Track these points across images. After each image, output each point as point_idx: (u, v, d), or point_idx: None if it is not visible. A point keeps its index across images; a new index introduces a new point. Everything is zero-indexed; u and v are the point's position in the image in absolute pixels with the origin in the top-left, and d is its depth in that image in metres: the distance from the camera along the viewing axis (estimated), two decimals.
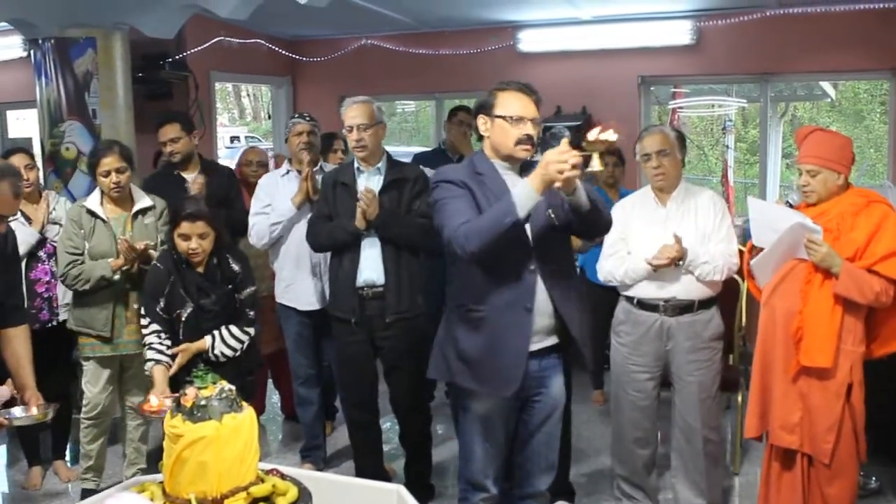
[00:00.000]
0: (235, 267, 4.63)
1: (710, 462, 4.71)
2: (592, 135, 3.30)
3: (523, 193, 3.38)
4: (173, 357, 4.52)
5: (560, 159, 3.27)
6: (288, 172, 5.50)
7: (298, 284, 5.43)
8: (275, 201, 5.37)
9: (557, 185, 3.35)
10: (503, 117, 3.63)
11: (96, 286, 4.92)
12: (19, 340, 3.91)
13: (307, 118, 5.58)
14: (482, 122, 3.72)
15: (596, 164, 3.32)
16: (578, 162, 3.28)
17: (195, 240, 4.47)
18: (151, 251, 4.93)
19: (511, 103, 3.64)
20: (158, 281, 4.56)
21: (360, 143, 4.81)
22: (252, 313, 4.67)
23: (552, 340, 3.77)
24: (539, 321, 3.69)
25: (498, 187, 3.63)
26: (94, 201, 5.05)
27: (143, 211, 5.11)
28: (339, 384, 5.26)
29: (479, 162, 3.74)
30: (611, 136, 3.29)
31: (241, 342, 4.61)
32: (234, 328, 4.59)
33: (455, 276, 3.80)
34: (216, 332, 4.55)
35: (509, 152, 3.66)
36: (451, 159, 6.62)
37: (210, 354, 4.52)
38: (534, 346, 3.71)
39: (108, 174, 4.96)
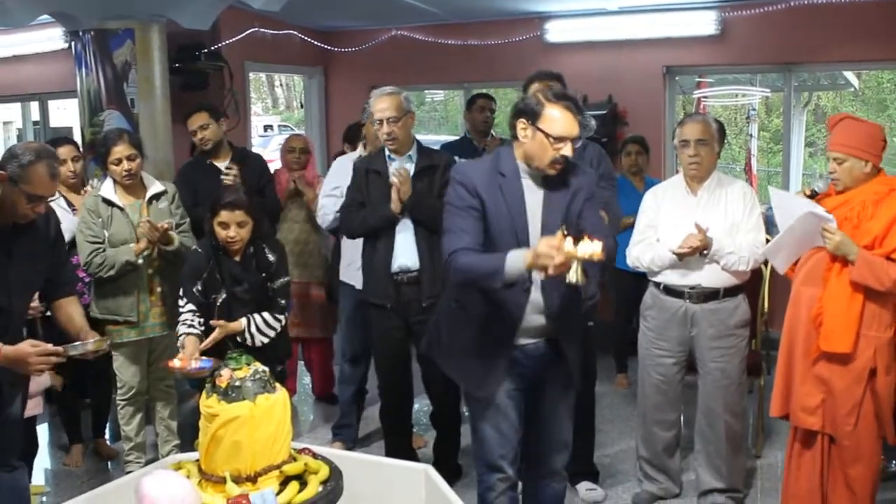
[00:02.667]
0: (271, 257, 4.68)
1: (732, 447, 4.77)
2: (580, 248, 3.22)
3: (513, 266, 3.39)
4: (206, 333, 4.59)
5: (548, 254, 3.24)
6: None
7: (359, 263, 5.45)
8: (344, 184, 5.31)
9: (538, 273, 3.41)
10: (546, 134, 3.56)
11: (121, 271, 5.00)
12: (70, 305, 3.99)
13: None
14: (522, 126, 3.63)
15: (574, 276, 3.27)
16: (564, 262, 3.22)
17: (234, 228, 4.52)
18: (172, 232, 5.04)
19: (557, 121, 3.56)
20: (198, 264, 4.65)
21: (390, 135, 4.85)
22: (283, 302, 4.73)
23: (543, 338, 3.80)
24: (532, 320, 3.74)
25: (513, 196, 3.64)
26: (108, 190, 5.12)
27: (157, 196, 5.19)
28: (375, 366, 5.33)
29: (504, 161, 3.71)
30: (596, 250, 3.21)
31: (274, 329, 4.68)
32: (267, 315, 4.64)
33: None
34: (251, 316, 4.61)
35: (540, 166, 3.63)
36: (476, 147, 6.73)
37: (246, 334, 4.59)
38: (527, 342, 3.78)
39: (119, 162, 5.04)
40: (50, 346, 3.56)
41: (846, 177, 4.14)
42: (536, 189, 3.71)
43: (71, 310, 3.99)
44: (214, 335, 4.54)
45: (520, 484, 4.06)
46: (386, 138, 4.88)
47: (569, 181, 3.73)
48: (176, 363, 4.32)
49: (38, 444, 5.41)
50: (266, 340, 4.65)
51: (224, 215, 4.54)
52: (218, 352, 4.38)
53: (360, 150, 5.69)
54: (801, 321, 4.24)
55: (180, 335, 4.62)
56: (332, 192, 5.52)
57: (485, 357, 3.76)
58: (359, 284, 5.47)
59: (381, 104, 4.86)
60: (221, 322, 4.56)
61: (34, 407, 4.97)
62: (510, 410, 3.84)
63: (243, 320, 4.60)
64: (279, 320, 4.71)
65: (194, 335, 4.59)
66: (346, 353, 5.84)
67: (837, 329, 4.08)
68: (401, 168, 4.81)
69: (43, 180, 3.57)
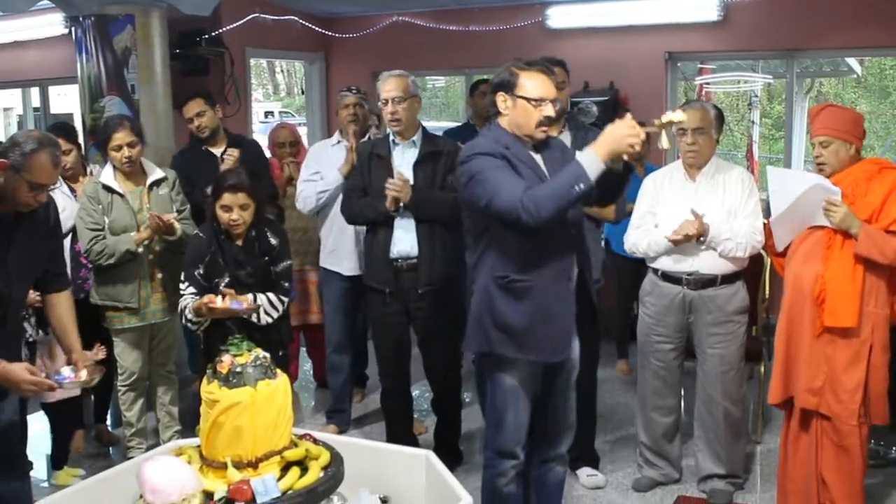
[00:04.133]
0: (273, 240, 4.68)
1: (731, 433, 4.79)
2: (665, 117, 3.49)
3: (591, 161, 3.43)
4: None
5: (633, 132, 3.40)
6: (339, 143, 5.64)
7: (342, 250, 5.58)
8: (323, 169, 5.51)
9: (625, 156, 3.50)
10: (525, 98, 3.66)
11: (121, 260, 5.01)
12: (63, 306, 3.96)
13: (354, 91, 5.72)
14: (501, 99, 3.72)
15: (664, 142, 3.53)
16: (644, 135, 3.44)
17: (236, 211, 4.52)
18: (176, 223, 5.04)
19: (532, 84, 3.66)
20: (199, 249, 4.64)
21: (394, 116, 4.86)
22: (287, 285, 4.74)
23: None
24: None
25: (527, 158, 3.71)
26: (108, 176, 5.11)
27: (157, 182, 5.20)
28: (375, 351, 5.33)
29: (500, 135, 3.74)
30: (679, 115, 3.52)
31: (277, 311, 4.68)
32: (272, 295, 4.64)
33: (490, 248, 3.76)
34: (257, 294, 4.60)
35: (529, 133, 3.70)
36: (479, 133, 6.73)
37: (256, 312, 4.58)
38: None
39: (119, 149, 5.03)
40: (45, 380, 3.54)
41: (833, 159, 4.24)
42: (535, 156, 3.79)
43: (64, 317, 3.96)
44: (225, 301, 4.49)
45: None
46: (390, 119, 4.89)
47: (552, 147, 3.87)
48: (218, 301, 4.36)
49: (83, 424, 5.62)
50: (269, 320, 4.65)
51: (226, 198, 4.54)
52: (222, 333, 4.36)
53: (336, 137, 5.73)
54: (804, 301, 4.28)
55: (186, 304, 4.60)
56: (311, 176, 5.60)
57: (553, 319, 3.76)
58: (344, 271, 5.59)
59: (388, 85, 4.88)
60: (231, 290, 4.52)
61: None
62: (529, 394, 3.89)
63: (250, 296, 4.58)
64: (283, 302, 4.72)
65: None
66: (332, 342, 5.88)
67: (842, 304, 4.15)
68: (399, 178, 4.79)
69: (45, 168, 3.56)
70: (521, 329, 3.73)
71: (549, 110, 3.68)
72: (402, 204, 4.80)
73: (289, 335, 5.03)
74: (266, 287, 4.68)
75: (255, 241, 4.67)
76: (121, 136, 5.03)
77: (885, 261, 4.09)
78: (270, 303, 4.65)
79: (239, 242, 4.65)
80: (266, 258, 4.68)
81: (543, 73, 3.71)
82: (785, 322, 4.38)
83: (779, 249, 4.49)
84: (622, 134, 3.41)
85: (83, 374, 3.76)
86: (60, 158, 3.71)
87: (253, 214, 4.62)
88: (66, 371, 3.77)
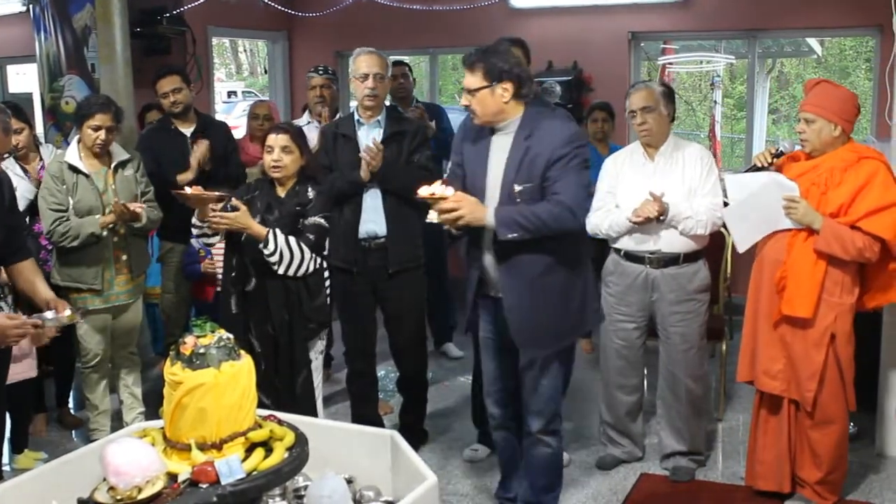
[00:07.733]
0: (310, 194, 4.55)
1: (693, 410, 4.83)
2: (424, 191, 3.59)
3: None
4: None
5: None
6: (309, 123, 5.66)
7: None
8: None
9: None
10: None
11: (85, 242, 4.93)
12: (29, 270, 3.95)
13: (321, 72, 5.68)
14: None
15: (433, 217, 3.64)
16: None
17: (277, 152, 4.46)
18: (142, 211, 4.99)
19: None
20: (243, 191, 4.66)
21: (373, 91, 4.83)
22: (312, 237, 4.48)
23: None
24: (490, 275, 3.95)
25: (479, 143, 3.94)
26: (73, 156, 5.01)
27: (123, 164, 5.13)
28: (341, 332, 5.32)
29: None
30: (439, 190, 3.60)
31: (293, 256, 4.42)
32: (292, 238, 4.42)
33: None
34: (277, 230, 4.41)
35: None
36: (401, 113, 6.73)
37: (266, 238, 4.36)
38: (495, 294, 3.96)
39: (97, 129, 4.94)
40: (27, 319, 3.53)
41: (815, 138, 4.19)
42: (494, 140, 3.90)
43: (33, 277, 3.94)
44: (235, 215, 4.35)
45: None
46: (368, 93, 4.85)
47: (527, 140, 3.79)
48: (188, 189, 4.34)
49: (45, 407, 5.67)
50: (279, 261, 4.40)
51: (269, 139, 4.53)
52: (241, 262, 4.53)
53: (306, 117, 5.71)
54: (765, 286, 4.32)
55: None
56: None
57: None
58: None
59: (370, 60, 4.85)
60: (245, 209, 4.39)
61: (27, 369, 4.95)
62: (487, 356, 4.10)
63: (267, 229, 4.40)
64: (301, 249, 4.46)
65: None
66: None
67: (800, 294, 4.15)
68: (372, 144, 4.77)
69: None
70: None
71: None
72: (372, 174, 4.78)
73: (317, 310, 4.66)
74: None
75: (295, 195, 4.57)
76: (103, 119, 4.94)
77: (847, 257, 4.07)
78: (287, 243, 4.41)
79: (282, 193, 4.58)
80: (298, 208, 4.55)
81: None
82: (751, 305, 4.43)
83: (740, 251, 4.52)
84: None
85: (66, 312, 3.73)
86: (10, 125, 3.67)
87: (297, 163, 4.54)
88: (48, 314, 3.73)
